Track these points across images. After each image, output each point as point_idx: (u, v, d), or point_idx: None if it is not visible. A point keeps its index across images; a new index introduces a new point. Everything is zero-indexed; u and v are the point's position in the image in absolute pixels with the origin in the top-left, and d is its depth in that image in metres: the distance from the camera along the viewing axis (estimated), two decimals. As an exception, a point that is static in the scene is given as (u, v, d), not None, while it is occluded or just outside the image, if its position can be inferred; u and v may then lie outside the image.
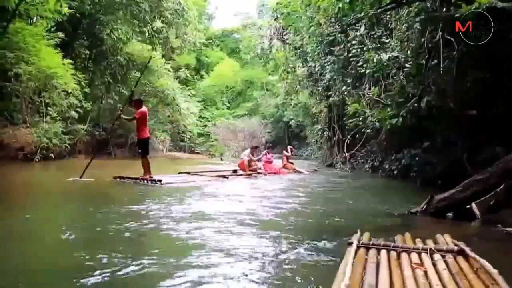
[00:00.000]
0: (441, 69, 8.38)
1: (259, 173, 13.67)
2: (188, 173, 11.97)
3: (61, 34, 16.48)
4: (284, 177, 13.64)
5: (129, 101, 10.87)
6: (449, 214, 6.02)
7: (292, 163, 16.54)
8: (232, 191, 8.84)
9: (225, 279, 2.97)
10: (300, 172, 15.48)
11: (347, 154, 16.31)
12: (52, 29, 16.28)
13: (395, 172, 12.32)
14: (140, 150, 10.26)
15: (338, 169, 17.64)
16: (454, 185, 6.02)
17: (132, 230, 4.58)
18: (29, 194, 7.78)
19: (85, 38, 20.49)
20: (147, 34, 22.52)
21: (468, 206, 5.92)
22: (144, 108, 10.06)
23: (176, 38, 29.22)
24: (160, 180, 9.24)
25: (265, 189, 9.45)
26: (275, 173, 14.33)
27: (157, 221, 5.12)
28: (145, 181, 9.45)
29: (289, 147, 18.12)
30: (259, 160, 14.74)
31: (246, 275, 3.10)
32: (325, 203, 7.64)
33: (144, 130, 9.92)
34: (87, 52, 20.80)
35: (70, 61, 16.33)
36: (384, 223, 5.53)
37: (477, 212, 5.73)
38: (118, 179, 9.72)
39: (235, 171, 13.41)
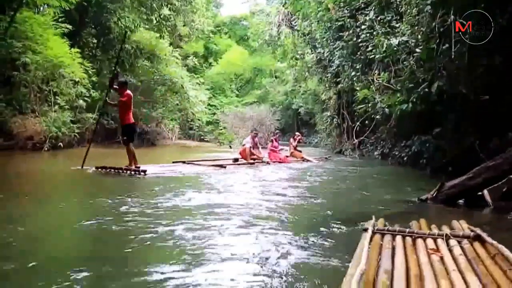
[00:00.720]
0: (453, 54, 8.19)
1: (262, 162, 12.83)
2: (184, 162, 11.15)
3: (69, 26, 16.42)
4: (290, 166, 12.84)
5: (112, 83, 9.36)
6: (460, 201, 5.91)
7: (300, 151, 15.60)
8: (227, 182, 8.21)
9: (233, 272, 2.89)
10: (308, 160, 14.60)
11: (356, 141, 16.14)
12: (60, 18, 16.22)
13: (405, 159, 12.19)
14: (125, 138, 9.03)
15: (347, 156, 17.53)
16: (465, 172, 5.91)
17: (98, 229, 4.08)
18: (19, 184, 7.41)
19: (93, 26, 20.42)
20: (154, 21, 22.38)
21: (480, 193, 5.82)
22: (129, 92, 9.08)
23: (184, 26, 29.07)
24: (144, 171, 8.40)
25: (266, 179, 8.98)
26: (280, 162, 13.48)
27: (129, 217, 4.51)
28: (128, 172, 8.61)
29: (296, 133, 17.08)
30: (259, 147, 13.66)
31: (257, 265, 3.03)
32: (332, 192, 7.54)
33: (129, 115, 8.97)
34: (95, 41, 20.75)
35: (78, 50, 16.26)
36: (394, 210, 5.42)
37: (489, 199, 5.64)
38: (100, 170, 8.87)
39: (236, 159, 12.50)
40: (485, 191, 5.73)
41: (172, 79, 24.50)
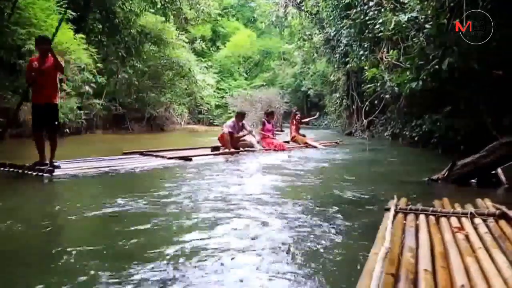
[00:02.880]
0: (464, 28, 7.91)
1: (249, 150, 10.18)
2: (141, 153, 8.64)
3: (73, 12, 16.20)
4: (287, 154, 10.22)
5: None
6: (472, 180, 5.71)
7: (304, 135, 13.07)
8: (174, 184, 5.57)
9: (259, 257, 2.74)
10: (313, 146, 11.99)
11: (365, 122, 15.84)
12: (64, 3, 16.02)
13: (416, 139, 11.96)
14: (57, 123, 6.53)
15: (357, 138, 17.30)
16: (477, 151, 5.69)
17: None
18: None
19: (97, 11, 20.23)
20: (159, 5, 22.14)
21: (494, 172, 5.62)
22: None
23: (190, 9, 28.73)
24: (51, 171, 6.04)
25: (244, 174, 6.96)
26: (276, 149, 10.76)
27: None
28: (32, 172, 6.15)
29: (293, 109, 13.97)
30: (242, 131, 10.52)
31: (276, 248, 2.90)
32: (339, 177, 7.33)
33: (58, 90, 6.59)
34: (100, 26, 20.58)
35: (83, 35, 16.10)
36: (404, 192, 5.22)
37: (503, 178, 5.43)
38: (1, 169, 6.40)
39: (216, 148, 9.86)
40: (499, 170, 5.53)
41: (179, 63, 24.35)
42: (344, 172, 7.48)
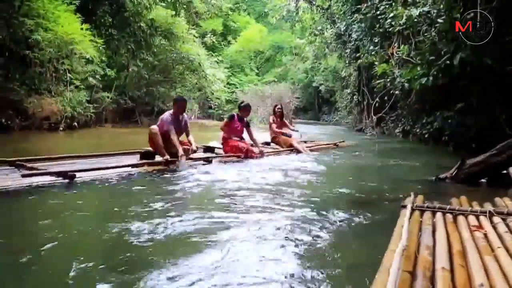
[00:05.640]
0: (478, 23, 7.69)
1: (198, 159, 6.78)
2: (12, 164, 5.31)
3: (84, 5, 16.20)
4: (259, 162, 7.26)
5: None
6: (482, 180, 5.51)
7: (289, 135, 9.52)
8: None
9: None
10: (299, 151, 8.83)
11: (375, 118, 15.59)
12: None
13: (427, 136, 11.74)
14: None
15: (367, 134, 17.07)
16: (490, 149, 5.48)
17: None
18: None
19: (107, 4, 20.19)
20: (169, -2, 22.08)
21: (505, 171, 5.41)
22: None
23: (201, 3, 28.63)
24: None
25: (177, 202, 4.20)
26: (240, 155, 7.46)
27: None
28: None
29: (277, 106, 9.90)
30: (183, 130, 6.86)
31: (291, 247, 2.80)
32: (343, 178, 7.18)
33: None
34: (110, 19, 20.55)
35: (88, 25, 16.00)
36: (412, 191, 5.04)
37: (514, 177, 5.22)
38: None
39: (146, 154, 6.38)
40: (510, 169, 5.32)
41: (190, 57, 24.25)
42: (348, 173, 7.29)
